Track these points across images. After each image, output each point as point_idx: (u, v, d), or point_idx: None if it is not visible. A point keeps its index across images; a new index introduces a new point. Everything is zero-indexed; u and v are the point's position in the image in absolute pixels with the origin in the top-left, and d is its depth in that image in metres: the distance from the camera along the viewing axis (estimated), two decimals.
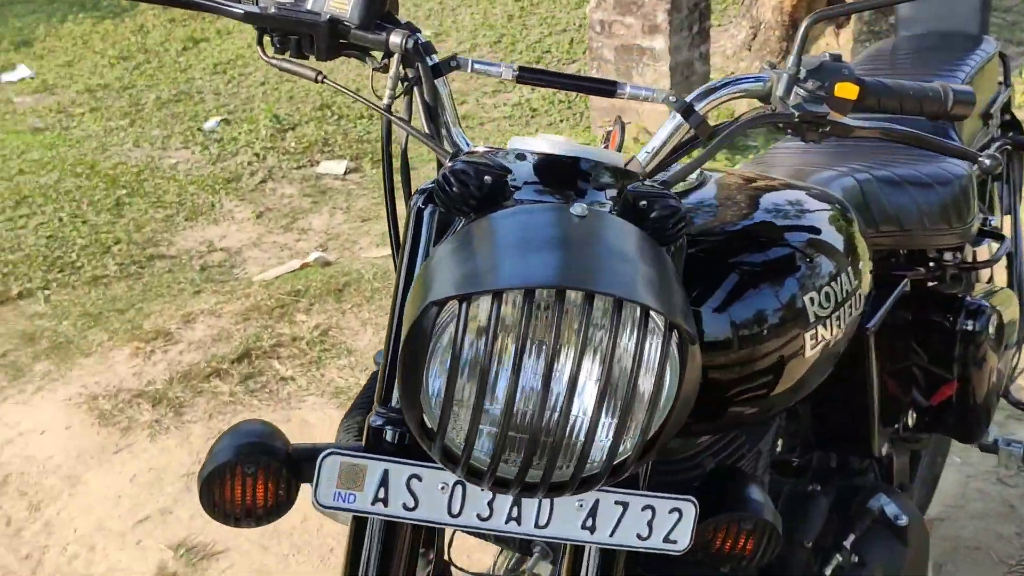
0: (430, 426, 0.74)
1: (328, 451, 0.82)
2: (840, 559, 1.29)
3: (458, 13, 7.42)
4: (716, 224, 1.07)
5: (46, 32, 8.01)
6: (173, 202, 4.43)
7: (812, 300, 1.00)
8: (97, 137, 5.42)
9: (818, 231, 1.10)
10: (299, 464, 0.87)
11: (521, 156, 0.83)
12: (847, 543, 1.31)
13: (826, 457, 1.48)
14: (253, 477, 0.86)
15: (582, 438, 0.72)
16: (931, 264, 1.52)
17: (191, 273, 3.78)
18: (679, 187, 1.10)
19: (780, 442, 1.53)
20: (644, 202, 0.81)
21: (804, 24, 0.94)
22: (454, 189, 0.78)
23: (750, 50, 5.91)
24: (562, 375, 0.70)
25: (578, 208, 0.73)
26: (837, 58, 0.98)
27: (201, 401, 2.86)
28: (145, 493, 2.52)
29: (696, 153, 0.96)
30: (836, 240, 1.11)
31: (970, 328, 1.47)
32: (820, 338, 1.01)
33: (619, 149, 0.92)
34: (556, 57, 6.43)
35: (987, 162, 0.99)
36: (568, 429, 0.72)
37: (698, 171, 1.13)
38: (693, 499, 0.84)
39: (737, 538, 0.92)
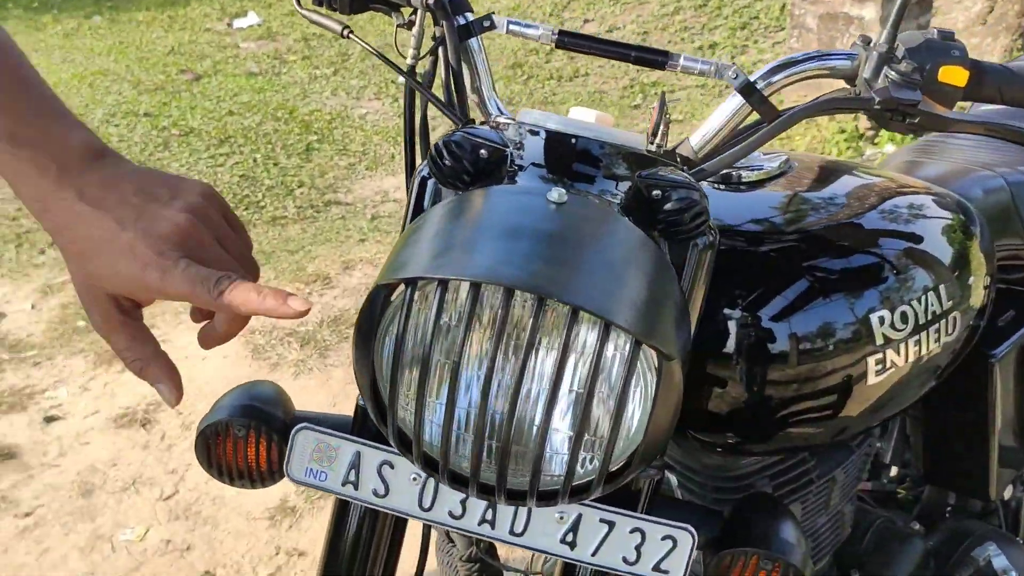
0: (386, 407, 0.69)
1: (301, 426, 0.79)
2: None
3: None
4: (791, 220, 0.94)
5: None
6: (357, 151, 4.60)
7: (883, 320, 0.86)
8: (301, 84, 5.70)
9: (918, 240, 0.94)
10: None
11: (535, 132, 0.76)
12: None
13: (941, 495, 1.30)
14: (244, 440, 0.85)
15: (534, 444, 0.64)
16: None
17: (361, 221, 3.90)
18: (755, 176, 0.98)
19: (892, 471, 1.37)
20: (658, 192, 0.71)
21: None
22: (446, 162, 0.72)
23: (984, 24, 5.33)
24: (503, 378, 0.63)
25: (555, 194, 0.64)
26: (948, 36, 0.83)
27: (345, 347, 2.96)
28: None
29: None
30: (940, 253, 0.94)
31: None
32: (889, 364, 0.87)
33: (655, 130, 0.82)
34: (763, 24, 6.10)
35: None
36: (519, 434, 0.65)
37: (783, 159, 1.00)
38: (691, 528, 0.75)
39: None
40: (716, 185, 0.97)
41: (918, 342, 0.88)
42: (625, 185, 0.73)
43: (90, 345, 3.15)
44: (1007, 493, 1.31)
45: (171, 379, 0.70)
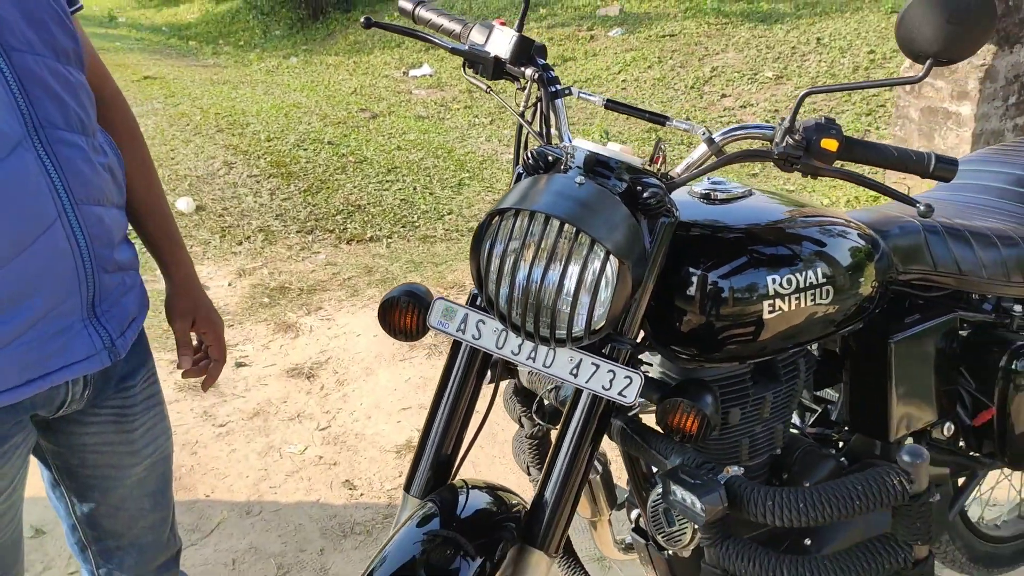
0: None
1: (438, 297, 1.44)
2: None
3: (806, 59, 7.71)
4: (742, 223, 1.53)
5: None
6: (502, 189, 5.33)
7: (775, 280, 1.44)
8: (461, 129, 6.53)
9: (821, 244, 1.51)
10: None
11: (583, 150, 1.39)
12: None
13: (866, 443, 1.83)
14: (405, 309, 1.50)
15: (549, 305, 1.27)
16: (989, 307, 1.81)
17: None
18: (725, 196, 1.58)
19: (838, 430, 1.90)
20: (639, 187, 1.33)
21: (800, 96, 1.39)
22: (531, 162, 1.37)
23: None
24: (540, 271, 1.26)
25: (579, 178, 1.27)
26: (831, 121, 1.41)
27: None
28: (413, 392, 3.34)
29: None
30: (837, 255, 1.48)
31: (1012, 366, 1.75)
32: (777, 308, 1.44)
33: (652, 158, 1.44)
34: (888, 112, 6.53)
35: (922, 207, 1.36)
36: (547, 301, 1.28)
37: (747, 189, 1.60)
38: (640, 373, 1.34)
39: (683, 418, 1.40)
40: (700, 199, 1.58)
41: (799, 298, 1.46)
42: (624, 183, 1.36)
43: (271, 316, 3.97)
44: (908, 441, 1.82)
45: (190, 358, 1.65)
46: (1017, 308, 1.84)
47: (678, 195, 1.60)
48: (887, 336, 1.69)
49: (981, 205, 2.01)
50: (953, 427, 1.83)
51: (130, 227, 1.52)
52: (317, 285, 4.26)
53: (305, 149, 6.05)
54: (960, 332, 1.81)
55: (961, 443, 1.90)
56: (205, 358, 1.64)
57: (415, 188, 5.32)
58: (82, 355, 1.32)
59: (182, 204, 5.14)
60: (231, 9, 14.34)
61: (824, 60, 7.60)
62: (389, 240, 4.69)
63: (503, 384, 1.78)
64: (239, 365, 3.56)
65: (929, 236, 1.76)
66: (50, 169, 1.22)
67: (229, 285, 4.33)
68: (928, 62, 1.26)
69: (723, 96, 7.30)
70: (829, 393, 1.95)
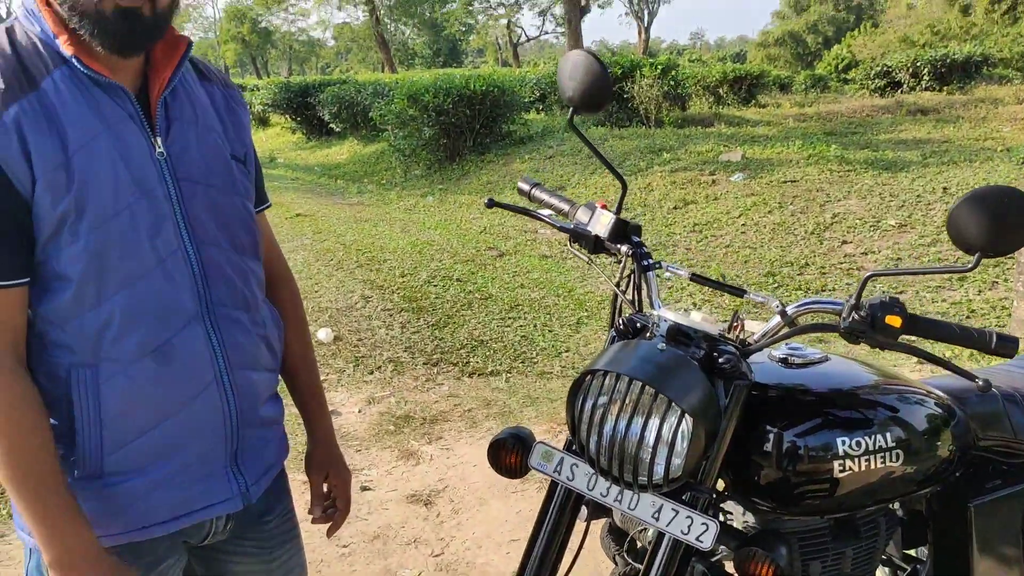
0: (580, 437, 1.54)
1: (539, 441, 1.65)
2: None
3: (932, 208, 7.70)
4: (819, 387, 1.68)
5: (578, 180, 9.93)
6: None
7: (844, 442, 1.57)
8: (582, 269, 6.82)
9: (895, 411, 1.64)
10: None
11: (667, 320, 1.59)
12: None
13: None
14: (511, 450, 1.71)
15: (632, 455, 1.45)
16: None
17: None
18: (802, 360, 1.74)
19: None
20: (716, 354, 1.52)
21: (863, 278, 1.56)
22: (622, 328, 1.59)
23: None
24: (624, 423, 1.45)
25: (661, 344, 1.47)
26: (895, 299, 1.57)
27: None
28: (523, 524, 3.48)
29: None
30: (912, 420, 1.61)
31: None
32: (848, 468, 1.57)
33: (730, 326, 1.62)
34: (1015, 261, 6.43)
35: (980, 382, 1.48)
36: (631, 451, 1.46)
37: (823, 355, 1.75)
38: (716, 520, 1.49)
39: (759, 567, 1.53)
40: (779, 363, 1.74)
41: (869, 460, 1.58)
42: (702, 350, 1.55)
43: (396, 444, 4.23)
44: None
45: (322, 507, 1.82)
46: None
47: (759, 358, 1.78)
48: (967, 500, 1.77)
49: None
50: None
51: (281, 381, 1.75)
52: (439, 415, 4.52)
53: (435, 285, 6.45)
54: None
55: None
56: (332, 506, 1.84)
57: (535, 325, 5.59)
58: (221, 498, 1.50)
59: (322, 334, 5.57)
60: (376, 151, 15.46)
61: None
62: (508, 375, 4.93)
63: (600, 522, 1.94)
64: (364, 489, 3.81)
65: (1008, 405, 1.85)
66: (214, 340, 1.44)
67: (359, 412, 4.64)
68: (977, 255, 1.41)
69: (844, 243, 7.35)
70: (921, 551, 2.01)
